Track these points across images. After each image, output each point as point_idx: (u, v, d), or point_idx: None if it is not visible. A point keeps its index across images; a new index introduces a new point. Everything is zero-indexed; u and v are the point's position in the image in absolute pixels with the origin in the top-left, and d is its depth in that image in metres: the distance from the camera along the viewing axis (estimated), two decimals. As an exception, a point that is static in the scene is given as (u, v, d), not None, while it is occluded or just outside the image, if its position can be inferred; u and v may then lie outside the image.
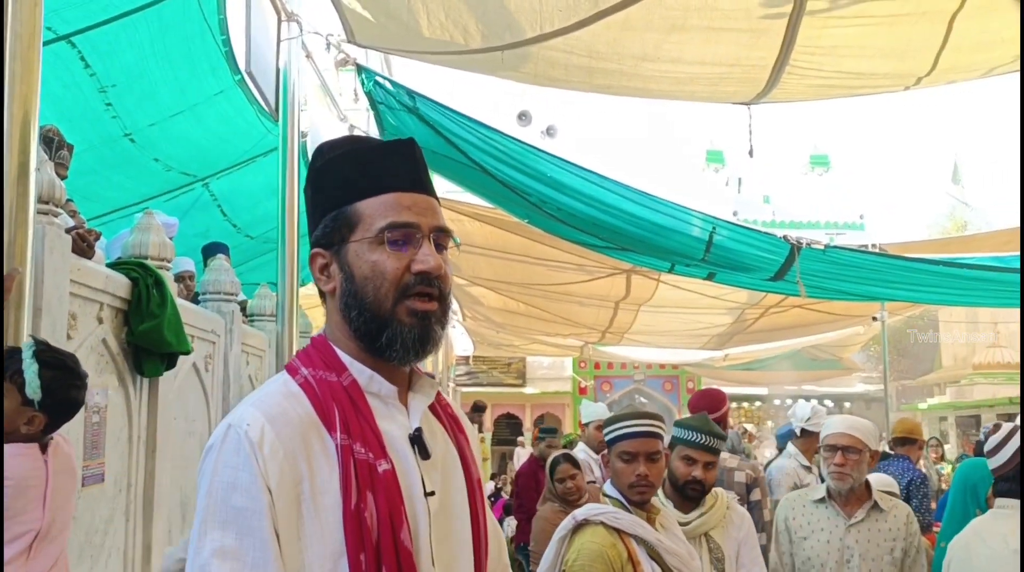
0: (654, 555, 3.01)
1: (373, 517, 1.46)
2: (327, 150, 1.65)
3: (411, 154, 1.63)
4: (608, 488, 3.21)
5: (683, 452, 3.62)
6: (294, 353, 6.42)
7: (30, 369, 2.76)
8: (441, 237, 1.60)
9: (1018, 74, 5.97)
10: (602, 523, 3.02)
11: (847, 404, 28.67)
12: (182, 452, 5.07)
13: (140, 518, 4.50)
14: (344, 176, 1.60)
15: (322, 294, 1.64)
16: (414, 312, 1.54)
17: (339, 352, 1.59)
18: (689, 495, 3.60)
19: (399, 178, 1.59)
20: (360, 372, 1.58)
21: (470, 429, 1.80)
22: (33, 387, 2.74)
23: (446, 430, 1.70)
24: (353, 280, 1.56)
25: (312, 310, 10.52)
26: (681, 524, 3.52)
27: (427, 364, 2.04)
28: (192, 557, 1.42)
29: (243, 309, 6.65)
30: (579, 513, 3.11)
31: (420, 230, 1.56)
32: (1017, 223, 11.40)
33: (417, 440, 1.58)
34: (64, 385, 2.86)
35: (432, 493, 1.57)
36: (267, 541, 1.41)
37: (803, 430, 6.56)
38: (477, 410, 15.72)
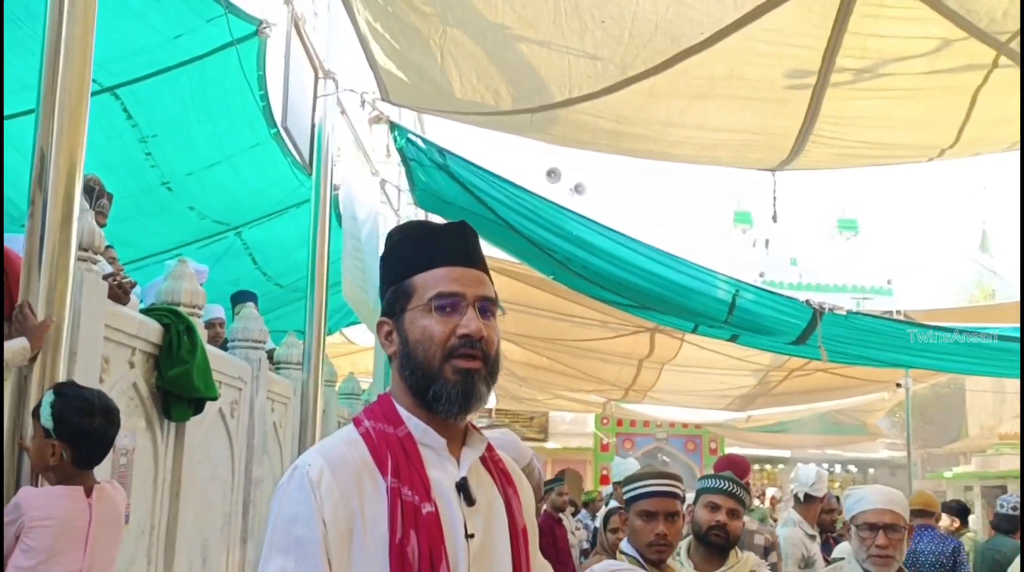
0: None
1: (415, 552, 1.65)
2: (395, 233, 1.92)
3: (462, 233, 1.86)
4: (625, 546, 3.25)
5: (707, 500, 3.66)
6: (318, 401, 6.52)
7: (46, 400, 2.88)
8: (487, 305, 1.81)
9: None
10: None
11: (871, 470, 28.32)
12: (205, 497, 5.15)
13: (162, 561, 4.56)
14: (405, 254, 1.84)
15: (390, 357, 1.86)
16: (458, 370, 1.74)
17: (399, 408, 1.81)
18: (713, 542, 3.61)
19: (450, 254, 1.82)
20: (415, 425, 1.78)
21: (521, 484, 1.97)
22: (45, 414, 2.85)
23: (495, 481, 1.88)
24: (408, 343, 1.78)
25: (336, 359, 10.63)
26: None
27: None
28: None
29: (270, 357, 6.76)
30: (597, 568, 3.15)
31: (465, 299, 1.77)
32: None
33: (462, 487, 1.77)
34: (75, 412, 2.94)
35: (472, 536, 1.74)
36: (320, 567, 1.62)
37: (807, 496, 6.37)
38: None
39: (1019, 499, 6.77)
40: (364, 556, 1.66)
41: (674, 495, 3.21)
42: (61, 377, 2.96)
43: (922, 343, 7.38)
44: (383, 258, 1.92)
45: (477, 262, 1.85)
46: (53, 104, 2.85)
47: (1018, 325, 7.51)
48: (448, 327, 1.75)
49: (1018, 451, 20.58)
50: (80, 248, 3.18)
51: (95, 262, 3.39)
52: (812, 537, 6.21)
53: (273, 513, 1.71)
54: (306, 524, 1.65)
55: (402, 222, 2.07)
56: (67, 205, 2.86)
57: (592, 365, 13.35)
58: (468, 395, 1.75)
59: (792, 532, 6.25)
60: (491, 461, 1.92)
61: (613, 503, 6.45)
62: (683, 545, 3.73)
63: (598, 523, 8.62)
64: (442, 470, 1.77)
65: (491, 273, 1.90)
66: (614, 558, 3.82)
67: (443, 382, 1.74)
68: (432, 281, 1.79)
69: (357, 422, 1.82)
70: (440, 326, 1.75)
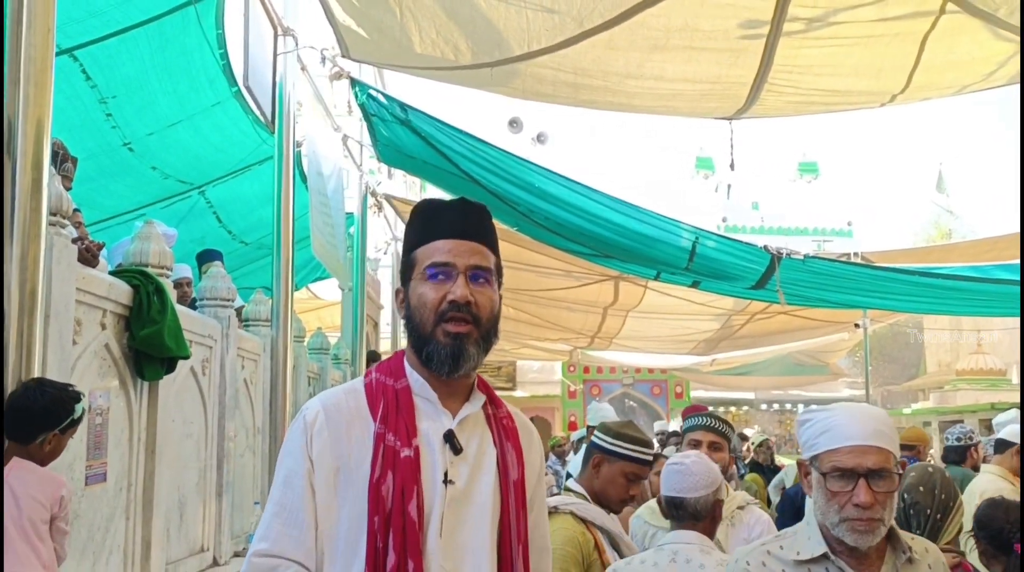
0: (614, 546, 3.22)
1: (389, 491, 1.85)
2: (413, 209, 2.10)
3: (463, 209, 2.04)
4: (572, 484, 3.40)
5: (690, 437, 3.85)
6: (288, 356, 6.60)
7: None
8: (480, 274, 1.98)
9: (994, 90, 6.18)
10: (572, 512, 3.22)
11: (833, 409, 28.84)
12: (180, 453, 5.23)
13: (140, 517, 4.66)
14: (414, 229, 2.04)
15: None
16: (448, 333, 1.92)
17: (407, 364, 2.02)
18: None
19: (446, 228, 1.99)
20: (415, 380, 1.99)
21: (530, 443, 2.14)
22: None
23: (494, 436, 2.04)
24: (411, 309, 1.98)
25: (303, 314, 10.68)
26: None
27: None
28: (267, 502, 1.93)
29: (238, 314, 6.81)
30: (549, 501, 3.30)
31: (456, 268, 1.95)
32: (999, 233, 11.60)
33: (449, 438, 1.95)
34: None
35: (451, 482, 1.92)
36: (302, 496, 1.88)
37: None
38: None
39: (963, 432, 6.98)
40: (350, 491, 1.87)
41: (651, 464, 3.41)
42: (38, 341, 3.03)
43: (879, 284, 7.57)
44: (405, 232, 2.12)
45: (474, 235, 2.01)
46: (18, 73, 2.88)
47: (975, 264, 7.70)
48: (440, 294, 1.93)
49: (975, 386, 21.11)
50: (49, 213, 3.23)
51: (64, 226, 3.44)
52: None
53: (282, 448, 1.98)
54: (295, 460, 1.91)
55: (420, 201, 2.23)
56: (36, 171, 2.90)
57: (558, 314, 13.50)
58: (457, 356, 1.92)
59: None
60: (495, 417, 2.07)
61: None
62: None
63: (571, 468, 8.79)
64: (435, 420, 1.96)
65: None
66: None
67: (435, 344, 1.93)
68: (429, 252, 1.97)
69: (367, 374, 2.05)
70: (433, 293, 1.94)
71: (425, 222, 2.03)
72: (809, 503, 2.42)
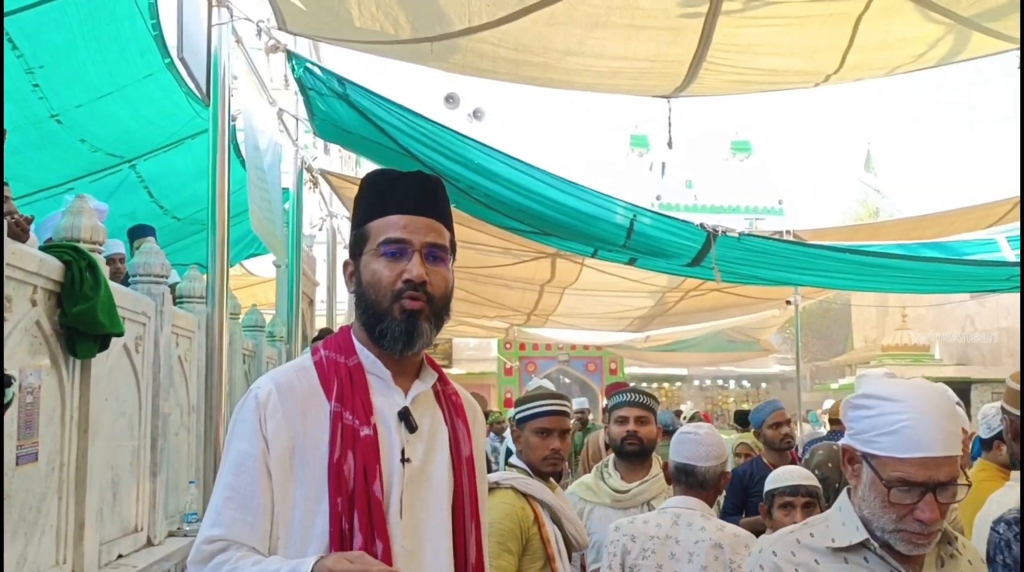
0: (555, 519, 3.26)
1: (351, 470, 1.82)
2: (364, 180, 2.06)
3: (418, 183, 1.99)
4: (514, 460, 3.45)
5: (616, 415, 3.90)
6: (224, 333, 6.51)
7: None
8: (436, 252, 1.95)
9: (923, 72, 6.32)
10: (512, 487, 3.25)
11: (763, 384, 29.44)
12: (113, 432, 5.14)
13: (73, 497, 4.57)
14: (365, 201, 2.00)
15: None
16: (403, 310, 1.90)
17: (355, 340, 1.99)
18: (628, 450, 3.84)
19: (402, 203, 1.95)
20: (366, 357, 1.96)
21: (475, 419, 2.14)
22: None
23: (444, 413, 2.04)
24: (362, 285, 1.95)
25: (237, 291, 10.54)
26: (621, 492, 3.78)
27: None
28: (214, 487, 1.88)
29: (172, 291, 6.70)
30: (491, 477, 3.33)
31: (411, 245, 1.92)
32: (924, 212, 11.89)
33: (404, 416, 1.93)
34: None
35: (408, 460, 1.91)
36: (256, 479, 1.83)
37: None
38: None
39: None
40: (305, 472, 1.84)
41: (566, 414, 3.42)
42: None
43: (810, 262, 7.72)
44: (353, 202, 2.08)
45: (430, 211, 1.97)
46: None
47: (902, 242, 7.89)
48: (394, 272, 1.91)
49: (899, 362, 21.66)
50: (-20, 187, 3.14)
51: (-6, 201, 3.35)
52: None
53: (230, 429, 1.92)
54: (248, 441, 1.85)
55: (370, 171, 2.17)
56: (-34, 144, 2.82)
57: (495, 291, 13.52)
58: (411, 334, 1.91)
59: None
60: (444, 394, 2.07)
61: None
62: (609, 460, 3.96)
63: (509, 444, 8.85)
64: (387, 398, 1.94)
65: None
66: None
67: (390, 321, 1.90)
68: (383, 227, 1.94)
69: (314, 351, 2.00)
70: (387, 271, 1.91)
71: (379, 194, 1.98)
72: (843, 494, 2.25)
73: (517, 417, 3.43)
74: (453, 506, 1.97)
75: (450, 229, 2.03)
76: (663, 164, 31.06)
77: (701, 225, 6.93)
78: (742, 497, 5.93)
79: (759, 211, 30.24)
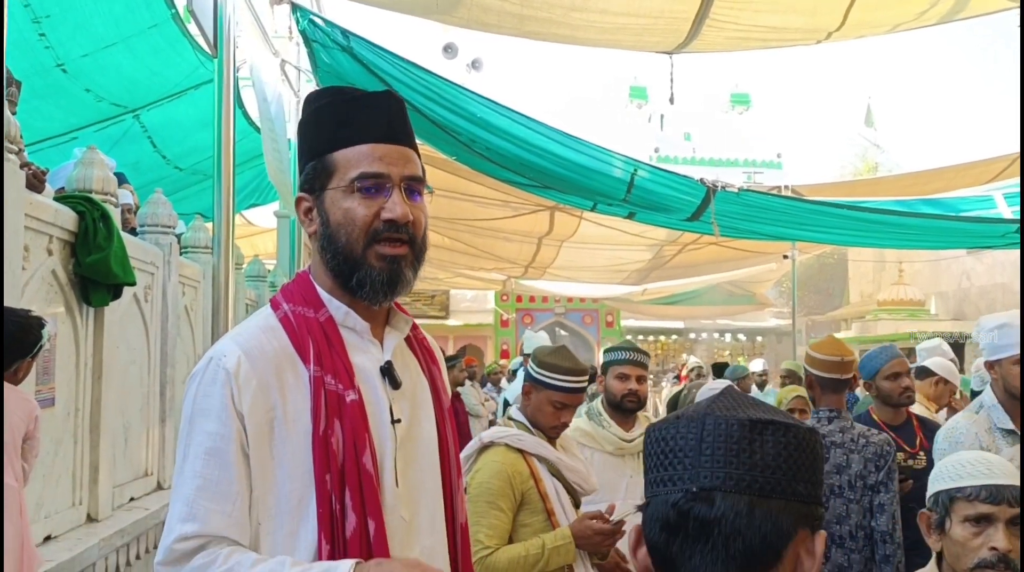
0: (555, 472, 3.32)
1: (339, 442, 1.60)
2: (312, 100, 1.76)
3: (387, 106, 1.73)
4: (514, 412, 3.48)
5: (616, 371, 3.99)
6: (229, 283, 6.60)
7: None
8: (414, 185, 1.71)
9: (925, 29, 6.35)
10: (505, 444, 3.31)
11: (759, 338, 29.64)
12: (124, 379, 5.26)
13: (87, 441, 4.71)
14: (324, 126, 1.71)
15: (310, 235, 1.77)
16: (383, 256, 1.66)
17: (319, 289, 1.73)
18: (627, 407, 3.95)
19: (374, 129, 1.69)
20: (337, 308, 1.72)
21: (441, 360, 1.95)
22: None
23: (419, 362, 1.84)
24: (329, 225, 1.68)
25: (238, 241, 10.61)
26: (627, 441, 3.89)
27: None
28: (176, 476, 1.62)
29: (178, 240, 6.78)
30: (484, 435, 3.40)
31: (390, 179, 1.67)
32: (923, 167, 11.95)
33: (387, 372, 1.72)
34: None
35: (399, 421, 1.72)
36: (232, 463, 1.57)
37: None
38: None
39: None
40: (286, 447, 1.60)
41: (583, 390, 3.47)
42: (-4, 267, 3.04)
43: (809, 217, 7.80)
44: (301, 126, 1.78)
45: (403, 138, 1.72)
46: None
47: (901, 198, 7.96)
48: (372, 210, 1.65)
49: (895, 316, 21.81)
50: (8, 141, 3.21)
51: (16, 152, 3.42)
52: None
53: (187, 406, 1.64)
54: (217, 419, 1.59)
55: (316, 90, 1.92)
56: (-10, 98, 2.89)
57: (493, 244, 13.59)
58: (394, 282, 1.68)
59: None
60: (415, 340, 1.87)
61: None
62: (597, 407, 4.05)
63: (507, 394, 8.99)
64: (365, 353, 1.72)
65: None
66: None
67: (367, 269, 1.66)
68: (355, 159, 1.67)
69: (275, 305, 1.74)
70: (363, 209, 1.65)
71: (342, 118, 1.70)
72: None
73: (535, 376, 3.41)
74: (440, 461, 1.81)
75: (419, 156, 1.78)
76: (662, 116, 30.93)
77: (701, 180, 6.99)
78: None
79: (757, 164, 30.15)
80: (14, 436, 3.22)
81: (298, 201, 1.75)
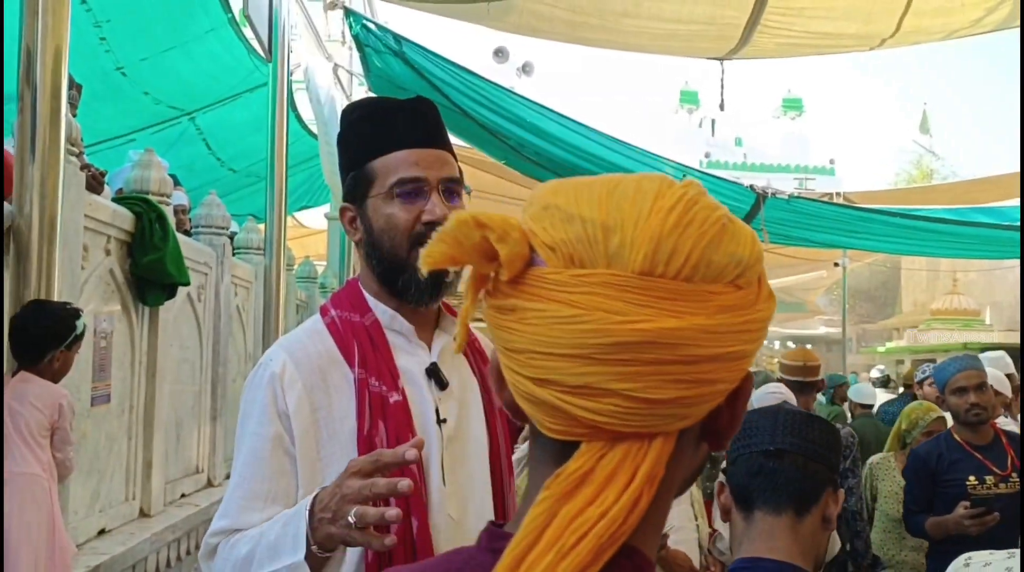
0: None
1: (383, 441, 1.62)
2: (348, 113, 1.81)
3: (422, 111, 1.75)
4: None
5: None
6: (280, 284, 6.70)
7: None
8: (452, 186, 1.73)
9: (982, 36, 6.27)
10: None
11: (809, 346, 29.34)
12: (177, 377, 5.36)
13: (141, 438, 4.80)
14: (363, 136, 1.75)
15: (356, 243, 1.80)
16: None
17: (366, 294, 1.77)
18: None
19: (410, 135, 1.71)
20: (383, 313, 1.74)
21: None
22: None
23: (471, 363, 1.85)
24: (372, 232, 1.71)
25: (292, 242, 10.75)
26: None
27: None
28: (231, 476, 1.70)
29: (231, 241, 6.89)
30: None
31: (428, 183, 1.68)
32: (979, 174, 11.76)
33: (433, 373, 1.74)
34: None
35: (444, 421, 1.73)
36: (267, 462, 1.63)
37: None
38: None
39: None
40: (333, 446, 1.65)
41: None
42: (57, 265, 3.12)
43: (861, 225, 7.72)
44: (340, 139, 1.83)
45: (438, 141, 1.76)
46: (37, 3, 2.93)
47: (955, 206, 7.86)
48: (412, 214, 1.68)
49: (948, 326, 21.48)
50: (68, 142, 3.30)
51: (77, 155, 3.51)
52: None
53: (241, 409, 1.71)
54: (261, 422, 1.64)
55: (351, 102, 1.99)
56: (55, 101, 2.97)
57: (540, 248, 13.59)
58: (437, 283, 1.71)
59: None
60: (467, 342, 1.86)
61: None
62: None
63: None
64: (412, 356, 1.74)
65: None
66: None
67: (412, 272, 1.67)
68: (392, 165, 1.69)
69: (323, 311, 1.79)
70: (404, 214, 1.68)
71: (376, 127, 1.74)
72: None
73: None
74: (490, 461, 1.81)
75: (455, 157, 1.80)
76: (712, 121, 30.75)
77: (751, 187, 6.96)
78: (931, 488, 4.10)
79: (809, 171, 29.84)
80: (31, 426, 3.26)
81: (342, 211, 1.79)
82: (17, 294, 3.16)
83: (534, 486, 0.77)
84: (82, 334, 3.44)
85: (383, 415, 1.65)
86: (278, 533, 1.54)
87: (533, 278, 0.72)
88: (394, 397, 1.66)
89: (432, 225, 1.62)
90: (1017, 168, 10.37)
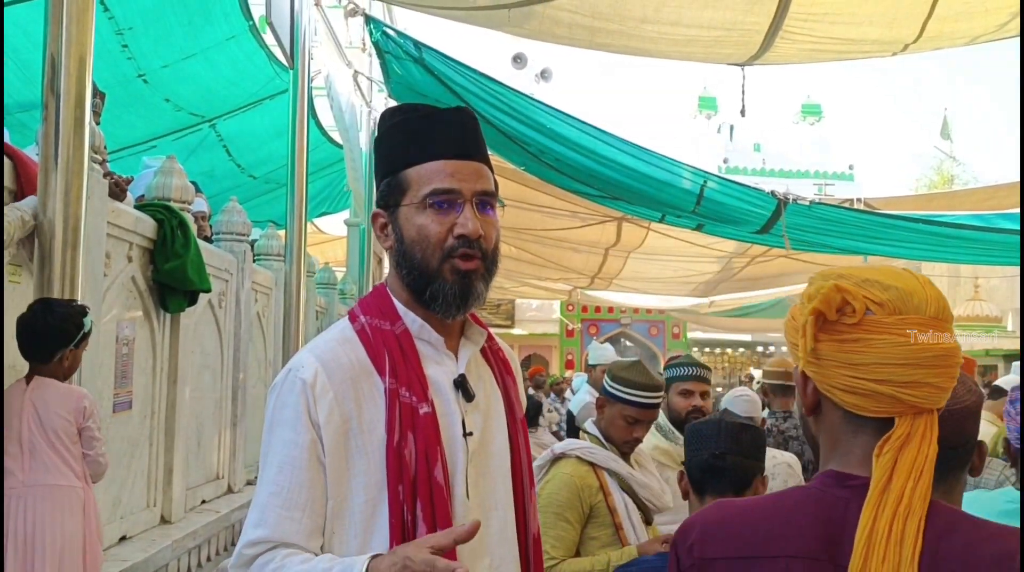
0: (625, 487, 3.29)
1: (412, 454, 1.62)
2: (387, 117, 1.79)
3: (460, 122, 1.74)
4: (589, 425, 3.47)
5: (680, 387, 3.95)
6: (301, 291, 6.71)
7: None
8: (486, 199, 1.72)
9: (1005, 41, 6.22)
10: (577, 456, 3.30)
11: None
12: (198, 383, 5.38)
13: (162, 444, 4.82)
14: (398, 143, 1.73)
15: (386, 250, 1.79)
16: (456, 270, 1.67)
17: (395, 301, 1.76)
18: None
19: (446, 146, 1.70)
20: (412, 321, 1.73)
21: (517, 370, 1.96)
22: None
23: (494, 373, 1.86)
24: (403, 241, 1.70)
25: (312, 248, 10.78)
26: None
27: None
28: (257, 483, 1.67)
29: (250, 248, 6.91)
30: (557, 447, 3.39)
31: (462, 195, 1.67)
32: (1000, 180, 11.67)
33: (461, 385, 1.74)
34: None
35: (471, 433, 1.73)
36: (304, 471, 1.61)
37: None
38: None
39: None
40: (361, 458, 1.64)
41: (657, 406, 3.44)
42: (80, 272, 3.14)
43: (882, 231, 7.67)
44: (376, 143, 1.82)
45: (475, 153, 1.73)
46: (61, 12, 2.94)
47: (977, 212, 7.80)
48: (445, 226, 1.67)
49: (970, 333, 21.31)
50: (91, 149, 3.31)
51: (100, 162, 3.52)
52: None
53: (268, 415, 1.69)
54: (293, 429, 1.63)
55: (390, 107, 1.92)
56: (79, 109, 2.99)
57: (559, 254, 13.58)
58: (466, 295, 1.69)
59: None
60: (491, 351, 1.88)
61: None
62: (665, 423, 4.01)
63: (571, 406, 8.95)
64: (440, 366, 1.74)
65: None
66: None
67: (441, 282, 1.68)
68: (427, 175, 1.68)
69: (352, 317, 1.78)
70: (436, 226, 1.67)
71: (414, 135, 1.73)
72: None
73: (608, 390, 3.40)
74: (512, 474, 1.82)
75: (492, 170, 1.79)
76: (731, 127, 30.64)
77: (772, 193, 6.92)
78: None
79: (829, 176, 29.67)
80: (59, 434, 3.27)
81: (374, 217, 1.78)
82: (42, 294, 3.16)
83: (840, 444, 1.35)
84: (89, 332, 3.45)
85: (413, 427, 1.64)
86: None
87: (870, 322, 1.28)
88: (424, 409, 1.66)
89: (464, 238, 1.66)
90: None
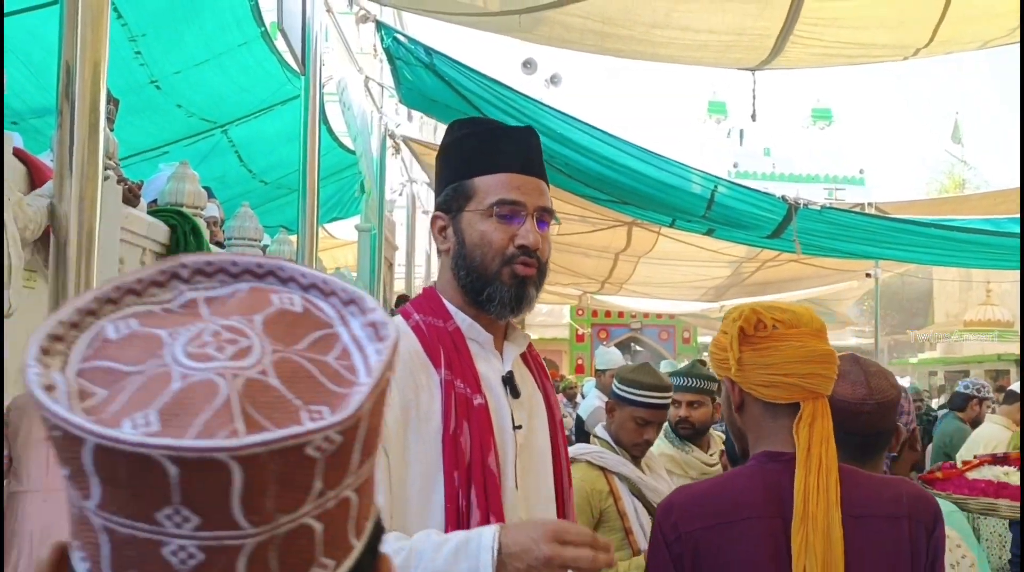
0: (636, 491, 3.30)
1: (467, 442, 1.72)
2: (456, 128, 1.93)
3: (526, 140, 1.87)
4: (600, 430, 3.48)
5: (674, 397, 3.96)
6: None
7: None
8: (544, 215, 1.85)
9: (1017, 44, 6.21)
10: (587, 461, 3.30)
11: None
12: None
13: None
14: (467, 152, 1.85)
15: (440, 252, 1.92)
16: (514, 275, 1.80)
17: (446, 302, 1.86)
18: (682, 434, 3.92)
19: (513, 160, 1.83)
20: (463, 320, 1.84)
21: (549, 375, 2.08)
22: None
23: (534, 376, 1.98)
24: (464, 245, 1.82)
25: (323, 253, 10.81)
26: (708, 465, 3.86)
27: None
28: None
29: (263, 253, 6.93)
30: (571, 450, 3.41)
31: (525, 208, 1.80)
32: (1012, 184, 11.64)
33: (509, 381, 1.86)
34: None
35: (520, 427, 1.84)
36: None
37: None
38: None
39: (976, 384, 7.16)
40: (419, 444, 1.71)
41: (666, 407, 3.44)
42: (95, 279, 3.15)
43: (893, 236, 7.66)
44: (443, 150, 1.92)
45: (538, 170, 1.86)
46: (76, 18, 2.97)
47: (988, 216, 7.77)
48: (507, 235, 1.79)
49: (982, 337, 21.24)
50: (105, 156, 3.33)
51: (115, 168, 3.55)
52: None
53: None
54: None
55: (459, 119, 2.06)
56: (93, 115, 3.00)
57: (569, 259, 13.59)
58: (520, 299, 1.81)
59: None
60: (530, 356, 1.99)
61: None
62: (670, 432, 4.02)
63: (580, 411, 8.95)
64: (488, 364, 1.84)
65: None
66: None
67: (499, 285, 1.79)
68: (494, 186, 1.80)
69: (405, 314, 1.87)
70: (499, 234, 1.78)
71: (484, 146, 1.84)
72: None
73: (617, 393, 3.41)
74: (554, 471, 1.93)
75: (549, 187, 1.93)
76: (741, 131, 30.64)
77: (783, 197, 6.93)
78: None
79: (839, 181, 29.66)
80: None
81: (433, 220, 1.89)
82: (56, 308, 3.18)
83: (764, 431, 1.81)
84: None
85: (468, 416, 1.74)
86: (447, 562, 1.50)
87: (776, 334, 1.75)
88: (477, 400, 1.76)
89: (524, 248, 1.80)
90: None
